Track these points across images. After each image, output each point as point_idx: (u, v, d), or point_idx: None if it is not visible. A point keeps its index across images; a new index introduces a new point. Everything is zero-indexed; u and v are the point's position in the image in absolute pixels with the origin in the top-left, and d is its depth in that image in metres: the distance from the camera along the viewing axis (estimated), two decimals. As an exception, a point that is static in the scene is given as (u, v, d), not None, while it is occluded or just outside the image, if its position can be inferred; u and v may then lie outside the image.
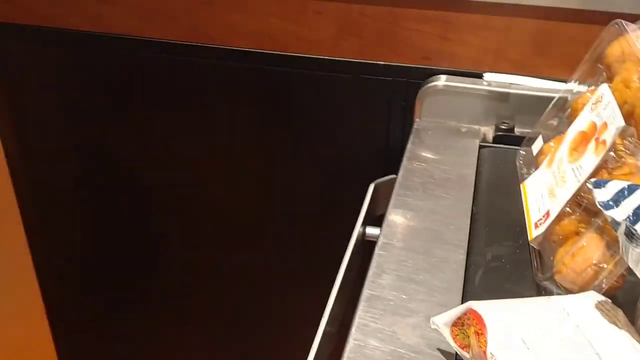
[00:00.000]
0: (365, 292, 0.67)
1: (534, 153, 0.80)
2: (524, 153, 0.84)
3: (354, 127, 1.07)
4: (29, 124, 1.22)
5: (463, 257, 0.71)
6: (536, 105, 0.93)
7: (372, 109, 1.04)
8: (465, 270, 0.69)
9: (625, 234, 0.46)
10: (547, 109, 0.81)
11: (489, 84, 0.97)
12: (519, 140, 0.87)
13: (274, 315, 1.31)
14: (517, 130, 0.95)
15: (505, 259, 0.70)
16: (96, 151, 1.22)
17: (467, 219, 0.77)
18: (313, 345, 0.68)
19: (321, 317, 0.73)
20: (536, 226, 0.68)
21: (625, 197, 0.47)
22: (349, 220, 0.89)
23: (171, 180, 1.21)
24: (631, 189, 0.47)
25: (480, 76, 0.98)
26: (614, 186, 0.48)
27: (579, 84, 0.78)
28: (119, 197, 1.27)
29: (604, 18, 0.78)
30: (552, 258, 0.64)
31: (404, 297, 0.66)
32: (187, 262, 1.30)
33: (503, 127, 0.94)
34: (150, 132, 1.17)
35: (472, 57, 0.97)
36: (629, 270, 0.54)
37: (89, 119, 1.19)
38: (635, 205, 0.46)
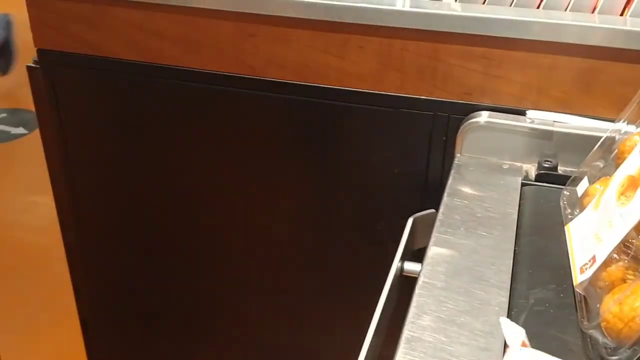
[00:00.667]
0: (406, 333, 0.66)
1: (579, 194, 0.79)
2: (568, 193, 0.83)
3: (393, 161, 1.06)
4: (76, 150, 1.24)
5: (505, 299, 0.70)
6: (580, 144, 0.92)
7: (412, 143, 1.04)
8: (508, 313, 0.68)
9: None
10: (594, 149, 0.80)
11: (532, 121, 0.96)
12: (562, 180, 0.86)
13: (306, 343, 1.30)
14: (561, 169, 0.94)
15: (549, 303, 0.69)
16: (142, 180, 1.24)
17: (509, 260, 0.76)
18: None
19: (359, 350, 0.72)
20: (582, 271, 0.67)
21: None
22: (385, 253, 0.89)
23: (215, 208, 1.22)
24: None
25: (523, 113, 0.97)
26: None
27: (628, 124, 0.77)
28: (161, 222, 1.27)
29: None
30: (598, 305, 0.63)
31: (445, 339, 0.65)
32: (229, 288, 1.30)
33: (546, 165, 0.93)
34: (195, 160, 1.18)
35: (515, 94, 0.96)
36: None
37: (138, 147, 1.21)
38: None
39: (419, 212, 0.97)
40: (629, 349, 0.58)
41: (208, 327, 1.37)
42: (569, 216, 0.78)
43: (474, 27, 0.94)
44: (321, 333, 1.28)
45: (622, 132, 0.77)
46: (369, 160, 1.08)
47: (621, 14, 0.96)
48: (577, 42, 0.92)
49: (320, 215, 1.16)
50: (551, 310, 0.68)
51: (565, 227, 0.77)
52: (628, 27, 0.90)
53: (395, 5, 0.96)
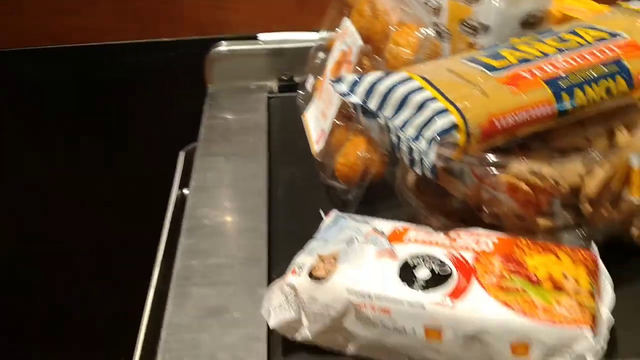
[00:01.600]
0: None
1: (309, 90, 0.94)
2: (303, 93, 0.97)
3: (163, 103, 1.15)
4: None
5: (264, 183, 0.83)
6: (307, 55, 1.07)
7: (166, 84, 1.14)
8: (269, 191, 0.82)
9: (362, 112, 0.60)
10: (310, 53, 0.95)
11: (265, 43, 1.09)
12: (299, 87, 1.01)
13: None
14: (297, 79, 1.08)
15: (298, 176, 0.83)
16: None
17: (264, 156, 0.89)
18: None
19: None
20: (317, 143, 0.82)
21: (358, 84, 0.60)
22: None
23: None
24: (363, 78, 0.61)
25: (256, 38, 1.10)
26: (350, 78, 0.62)
27: (328, 30, 0.92)
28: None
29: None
30: (332, 162, 0.78)
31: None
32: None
33: (284, 78, 1.07)
34: None
35: (245, 22, 1.09)
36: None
37: None
38: (367, 87, 0.59)
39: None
40: (356, 188, 0.73)
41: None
42: (305, 110, 0.93)
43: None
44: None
45: (328, 34, 0.92)
46: (133, 109, 1.17)
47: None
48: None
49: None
50: (302, 181, 0.82)
51: (303, 117, 0.91)
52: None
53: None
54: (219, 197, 0.83)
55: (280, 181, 0.83)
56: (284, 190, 0.82)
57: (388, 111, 0.57)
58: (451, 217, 0.60)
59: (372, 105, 0.58)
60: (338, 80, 0.62)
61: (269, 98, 1.05)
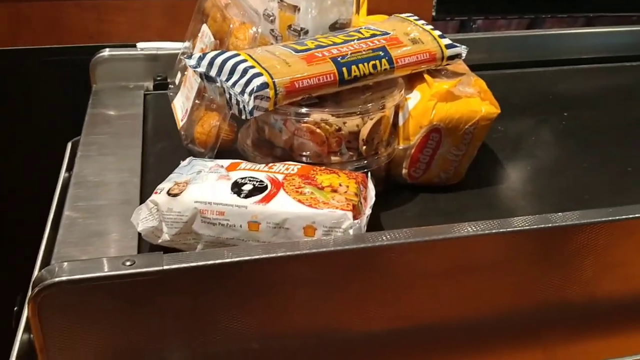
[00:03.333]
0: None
1: (177, 83, 1.17)
2: (173, 87, 1.19)
3: (54, 101, 1.34)
4: None
5: (139, 161, 1.01)
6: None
7: (56, 85, 1.33)
8: (143, 156, 1.02)
9: (205, 79, 0.84)
10: (179, 56, 1.16)
11: (142, 50, 1.31)
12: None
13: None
14: (169, 80, 1.30)
15: (167, 146, 1.06)
16: None
17: (140, 134, 1.09)
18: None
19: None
20: (182, 120, 1.04)
21: (203, 59, 0.84)
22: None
23: None
24: (206, 55, 0.84)
25: (134, 46, 1.32)
26: (197, 56, 0.85)
27: (188, 40, 1.15)
28: None
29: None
30: (192, 132, 1.01)
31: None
32: None
33: (158, 79, 1.29)
34: None
35: (125, 32, 1.31)
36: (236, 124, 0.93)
37: None
38: (208, 60, 0.83)
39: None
40: (211, 150, 0.96)
41: None
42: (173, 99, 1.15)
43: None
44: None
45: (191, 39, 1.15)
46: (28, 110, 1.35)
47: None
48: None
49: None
50: (169, 149, 1.04)
51: (172, 105, 1.13)
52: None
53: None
54: (102, 161, 1.00)
55: (153, 151, 1.04)
56: (155, 156, 1.02)
57: (223, 76, 0.81)
58: (276, 160, 0.84)
59: (212, 73, 0.82)
60: (189, 57, 0.86)
61: (145, 95, 1.26)
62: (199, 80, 0.98)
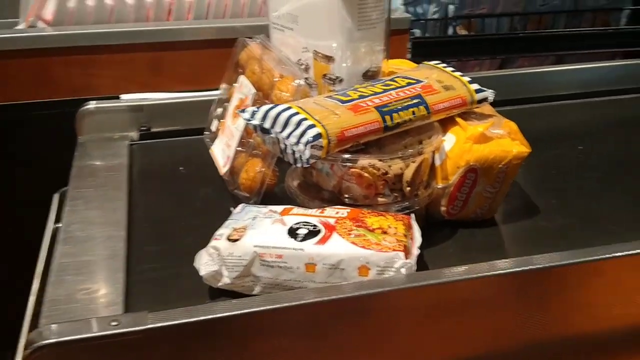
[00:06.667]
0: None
1: (214, 130, 1.16)
2: (208, 133, 1.18)
3: (40, 154, 1.31)
4: None
5: (125, 203, 1.02)
6: (164, 109, 1.31)
7: (42, 138, 1.30)
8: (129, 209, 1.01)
9: (260, 131, 0.86)
10: (213, 105, 1.17)
11: (126, 101, 1.31)
12: (155, 135, 1.25)
13: None
14: (153, 130, 1.30)
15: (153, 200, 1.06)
16: None
17: (125, 187, 1.07)
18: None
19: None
20: (224, 166, 1.04)
21: (257, 112, 0.85)
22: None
23: None
24: (259, 108, 0.86)
25: (118, 97, 1.31)
26: (250, 109, 0.86)
27: (227, 84, 1.15)
28: None
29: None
30: (237, 179, 1.01)
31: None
32: None
33: (143, 129, 1.28)
34: None
35: (110, 85, 1.31)
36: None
37: None
38: (262, 114, 0.85)
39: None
40: (255, 196, 0.97)
41: None
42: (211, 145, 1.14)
43: (71, 40, 1.26)
44: None
45: (226, 89, 1.14)
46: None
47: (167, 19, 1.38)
48: (145, 42, 1.30)
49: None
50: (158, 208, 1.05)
51: (210, 151, 1.12)
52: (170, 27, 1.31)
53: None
54: (89, 215, 0.98)
55: (140, 203, 1.04)
56: (142, 209, 1.02)
57: (277, 128, 0.83)
58: (323, 202, 0.87)
59: (267, 125, 0.84)
60: (242, 111, 0.88)
61: (130, 145, 1.25)
62: (240, 129, 0.99)
